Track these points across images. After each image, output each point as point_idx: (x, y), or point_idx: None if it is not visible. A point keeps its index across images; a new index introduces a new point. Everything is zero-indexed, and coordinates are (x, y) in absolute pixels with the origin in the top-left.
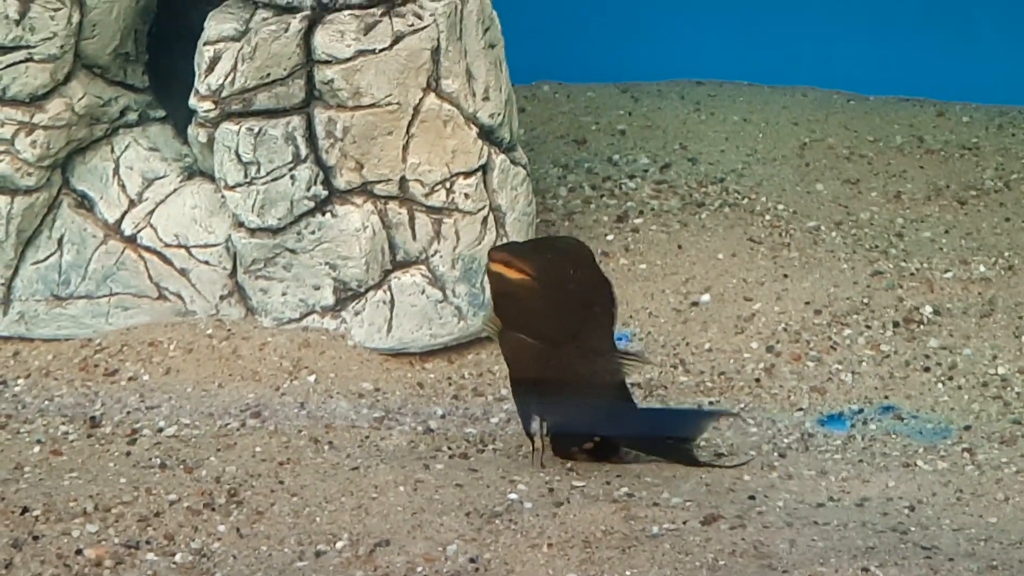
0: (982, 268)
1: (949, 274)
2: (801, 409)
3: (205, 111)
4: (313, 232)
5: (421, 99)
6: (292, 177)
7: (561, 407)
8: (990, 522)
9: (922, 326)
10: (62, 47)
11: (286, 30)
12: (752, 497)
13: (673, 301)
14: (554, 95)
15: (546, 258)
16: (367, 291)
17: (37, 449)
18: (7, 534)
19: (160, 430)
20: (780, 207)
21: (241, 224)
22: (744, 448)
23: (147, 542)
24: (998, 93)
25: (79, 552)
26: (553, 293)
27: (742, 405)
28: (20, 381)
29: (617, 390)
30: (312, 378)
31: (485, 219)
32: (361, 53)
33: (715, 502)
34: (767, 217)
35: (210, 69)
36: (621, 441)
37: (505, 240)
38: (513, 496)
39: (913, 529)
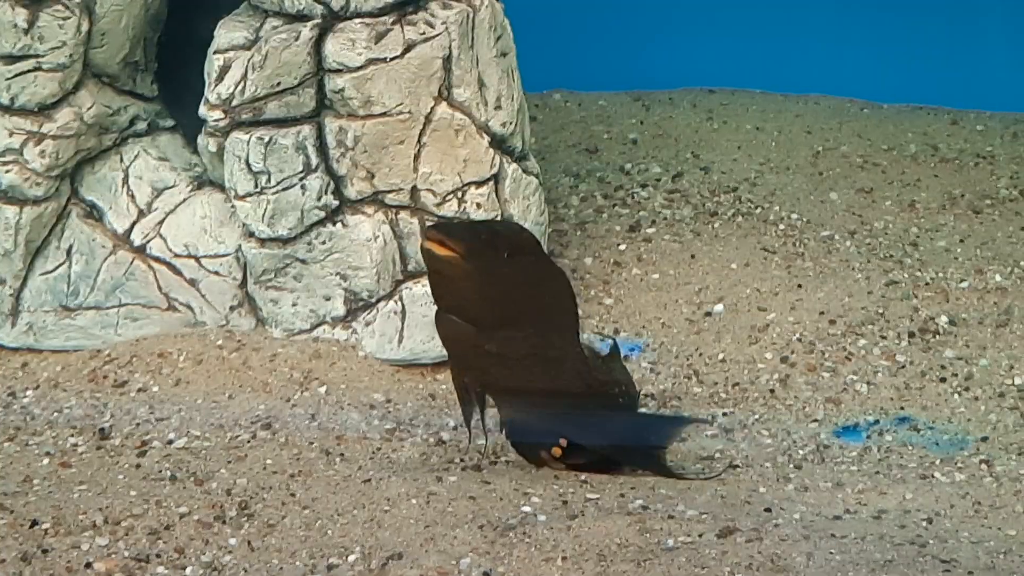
0: (998, 278)
1: (965, 284)
2: (816, 420)
3: (215, 120)
4: (324, 242)
5: (432, 108)
6: (303, 187)
7: (512, 402)
8: (1009, 535)
9: (938, 336)
10: (71, 56)
11: (296, 38)
12: (768, 509)
13: (686, 311)
14: (565, 104)
15: (478, 238)
16: (378, 301)
17: (46, 461)
18: (16, 547)
19: (170, 442)
20: (794, 216)
21: (251, 234)
22: (759, 459)
23: (157, 555)
24: (1012, 101)
25: (88, 565)
26: (482, 274)
27: (756, 416)
28: (29, 392)
29: (581, 391)
30: (323, 389)
31: None
32: (372, 62)
33: (731, 514)
34: (781, 226)
35: (220, 78)
36: (592, 447)
37: None
38: (527, 509)
39: (931, 542)
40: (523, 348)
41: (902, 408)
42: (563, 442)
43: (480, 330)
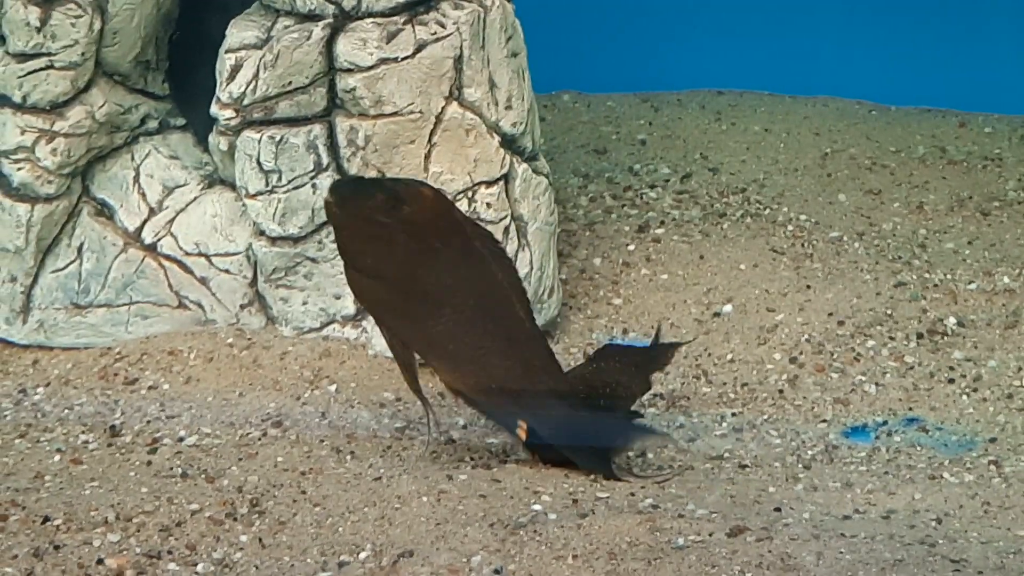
0: (1006, 279)
1: (973, 285)
2: (825, 421)
3: (226, 119)
4: (334, 241)
5: (443, 108)
6: (313, 186)
7: (446, 369)
8: (1019, 535)
9: (946, 337)
10: (83, 54)
11: (308, 38)
12: (778, 509)
13: (695, 312)
14: (574, 104)
15: (365, 189)
16: None
17: (57, 458)
18: (28, 543)
19: (181, 439)
20: (802, 217)
21: (262, 233)
22: (768, 459)
23: (169, 552)
24: (1020, 104)
25: (100, 562)
26: (358, 223)
27: (765, 416)
28: (40, 390)
29: (522, 375)
30: (333, 388)
31: (507, 228)
32: (383, 61)
33: (741, 514)
34: (789, 227)
35: (231, 77)
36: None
37: (527, 250)
38: (537, 507)
39: (941, 542)
40: (426, 309)
41: (911, 409)
42: (523, 424)
43: (386, 286)
